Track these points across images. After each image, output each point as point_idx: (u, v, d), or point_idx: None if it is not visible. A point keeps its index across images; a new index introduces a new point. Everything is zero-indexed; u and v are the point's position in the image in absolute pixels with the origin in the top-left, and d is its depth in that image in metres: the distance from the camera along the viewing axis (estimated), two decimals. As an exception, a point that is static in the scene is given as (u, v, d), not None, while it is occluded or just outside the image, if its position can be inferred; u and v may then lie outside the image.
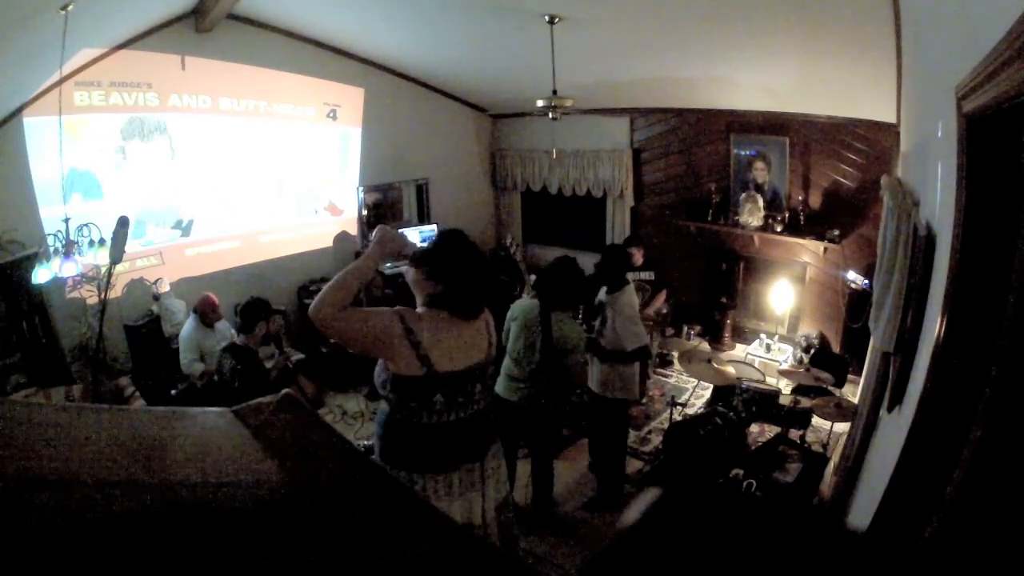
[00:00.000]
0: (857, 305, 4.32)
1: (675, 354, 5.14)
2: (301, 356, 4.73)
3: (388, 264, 4.50)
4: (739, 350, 5.68)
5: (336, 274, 1.70)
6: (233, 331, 3.86)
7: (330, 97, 5.69)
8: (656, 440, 4.19)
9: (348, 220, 6.09)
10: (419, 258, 1.81)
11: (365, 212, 6.17)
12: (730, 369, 3.86)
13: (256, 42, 4.97)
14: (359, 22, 4.93)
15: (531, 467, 3.26)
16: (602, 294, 3.38)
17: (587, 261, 3.55)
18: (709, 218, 5.64)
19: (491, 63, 5.57)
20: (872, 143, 4.64)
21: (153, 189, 4.67)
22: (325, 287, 1.65)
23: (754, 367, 4.66)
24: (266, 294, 3.59)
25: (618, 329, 3.22)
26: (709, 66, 4.63)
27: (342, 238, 6.06)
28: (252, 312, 3.28)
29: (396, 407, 1.79)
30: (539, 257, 7.09)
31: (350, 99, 5.86)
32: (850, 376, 4.77)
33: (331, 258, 5.95)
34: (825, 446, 3.80)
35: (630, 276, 4.69)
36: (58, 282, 3.74)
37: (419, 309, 1.81)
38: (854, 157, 4.82)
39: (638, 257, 4.84)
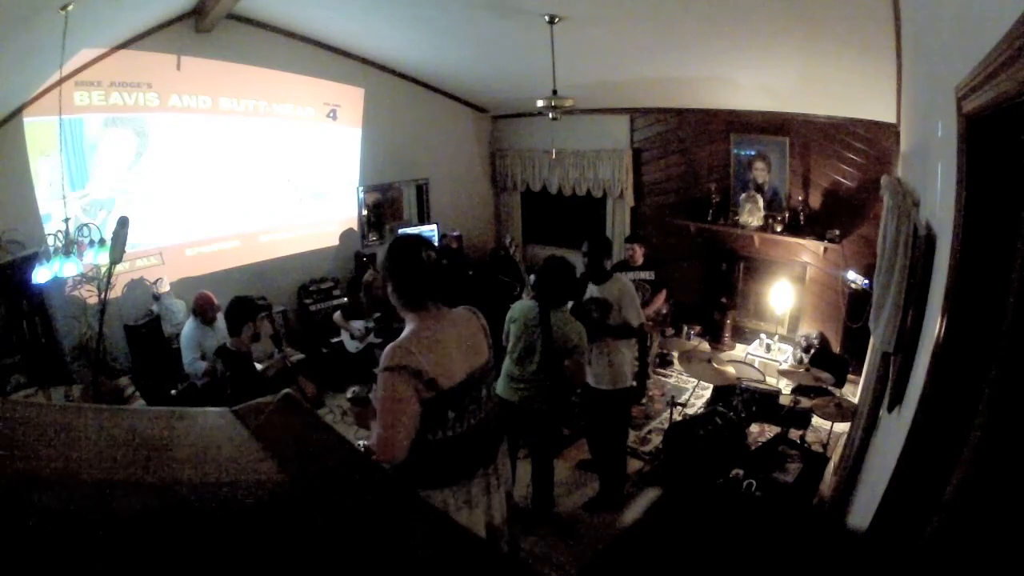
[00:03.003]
0: (857, 305, 4.32)
1: (675, 354, 5.14)
2: (301, 356, 4.73)
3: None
4: (739, 350, 5.67)
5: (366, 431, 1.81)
6: (233, 330, 3.85)
7: (330, 97, 5.69)
8: (656, 440, 4.19)
9: (348, 220, 6.09)
10: (381, 287, 1.83)
11: (365, 212, 6.17)
12: (730, 369, 3.86)
13: (256, 42, 4.97)
14: (359, 22, 4.92)
15: (531, 467, 3.25)
16: (593, 289, 3.35)
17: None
18: (709, 218, 5.63)
19: (491, 63, 5.57)
20: (872, 143, 4.64)
21: (153, 189, 4.67)
22: (373, 450, 1.66)
23: (754, 367, 4.65)
24: (266, 294, 3.58)
25: (626, 314, 3.24)
26: (709, 66, 4.62)
27: (342, 238, 6.06)
28: (236, 314, 3.09)
29: None
30: (539, 257, 7.06)
31: (350, 99, 5.86)
32: (850, 376, 4.77)
33: (331, 258, 5.96)
34: (825, 446, 3.80)
35: (630, 275, 4.72)
36: (58, 282, 3.74)
37: (406, 330, 1.79)
38: (854, 157, 4.82)
39: (638, 255, 4.83)
